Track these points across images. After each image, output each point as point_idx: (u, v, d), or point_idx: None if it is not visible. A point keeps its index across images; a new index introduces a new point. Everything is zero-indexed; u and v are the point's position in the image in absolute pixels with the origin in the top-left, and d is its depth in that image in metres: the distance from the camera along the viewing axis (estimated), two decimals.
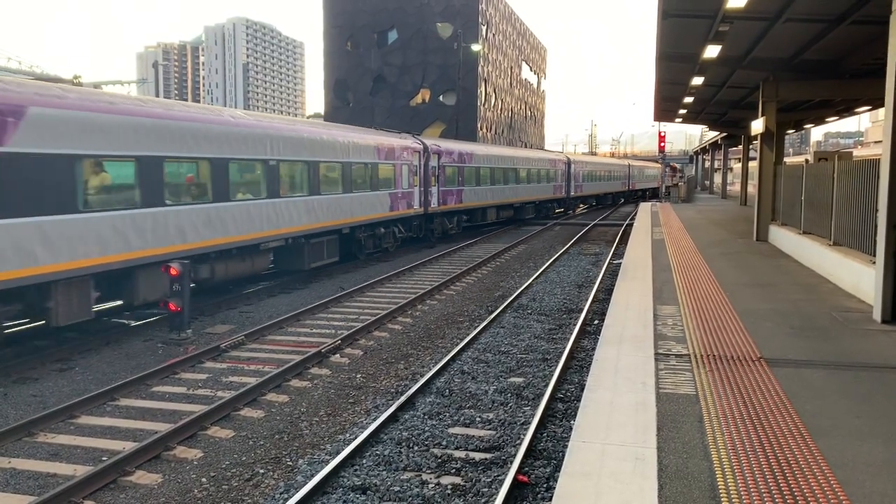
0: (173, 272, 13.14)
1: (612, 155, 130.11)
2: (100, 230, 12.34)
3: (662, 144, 64.37)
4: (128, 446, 8.22)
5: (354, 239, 22.82)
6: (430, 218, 29.43)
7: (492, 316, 14.77)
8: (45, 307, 11.62)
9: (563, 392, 9.99)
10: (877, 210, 10.47)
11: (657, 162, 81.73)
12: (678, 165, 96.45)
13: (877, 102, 25.77)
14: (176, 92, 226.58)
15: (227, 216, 15.70)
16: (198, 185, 15.08)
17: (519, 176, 40.20)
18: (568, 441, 5.98)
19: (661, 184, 68.21)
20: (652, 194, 78.11)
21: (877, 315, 10.18)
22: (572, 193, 51.28)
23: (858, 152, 56.38)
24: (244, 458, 8.08)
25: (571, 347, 12.03)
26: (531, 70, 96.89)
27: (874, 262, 10.58)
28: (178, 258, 13.66)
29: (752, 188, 35.45)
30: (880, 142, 11.69)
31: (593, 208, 60.10)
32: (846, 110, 30.38)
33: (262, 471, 7.76)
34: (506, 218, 39.49)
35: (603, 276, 20.19)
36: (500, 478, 7.31)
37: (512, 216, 40.43)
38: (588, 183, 55.66)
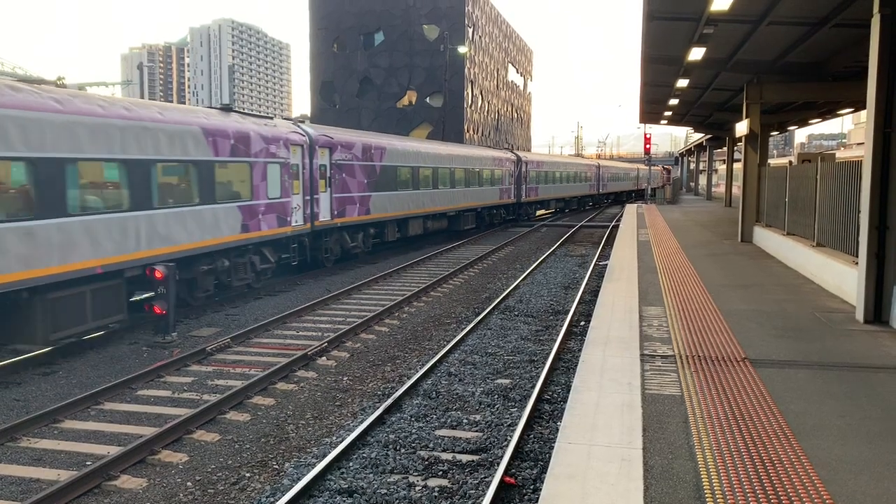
0: (158, 275, 13.05)
1: (599, 157, 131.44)
2: (400, 200, 26.53)
3: (648, 146, 64.91)
4: (112, 451, 8.16)
5: (482, 216, 37.12)
6: (520, 206, 43.06)
7: (479, 318, 14.78)
8: (383, 232, 25.78)
9: (550, 393, 10.02)
10: (859, 211, 10.57)
11: (644, 164, 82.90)
12: (670, 167, 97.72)
13: (859, 105, 26.04)
14: (161, 94, 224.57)
15: (436, 197, 30.26)
16: (426, 180, 29.15)
17: (569, 177, 53.05)
18: (554, 442, 6.00)
19: (648, 185, 70.60)
20: (638, 195, 79.11)
21: (859, 315, 10.28)
22: (600, 191, 64.30)
23: (841, 154, 56.95)
24: (230, 462, 8.04)
25: (558, 349, 12.06)
26: (517, 72, 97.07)
27: (857, 263, 10.69)
28: (404, 218, 27.62)
29: (737, 190, 35.70)
30: (863, 144, 11.81)
31: (590, 208, 62.86)
32: (829, 112, 30.69)
33: (248, 474, 7.72)
34: (558, 208, 53.80)
35: (589, 277, 20.27)
36: (486, 480, 7.32)
37: (562, 207, 54.28)
38: (611, 182, 68.33)
